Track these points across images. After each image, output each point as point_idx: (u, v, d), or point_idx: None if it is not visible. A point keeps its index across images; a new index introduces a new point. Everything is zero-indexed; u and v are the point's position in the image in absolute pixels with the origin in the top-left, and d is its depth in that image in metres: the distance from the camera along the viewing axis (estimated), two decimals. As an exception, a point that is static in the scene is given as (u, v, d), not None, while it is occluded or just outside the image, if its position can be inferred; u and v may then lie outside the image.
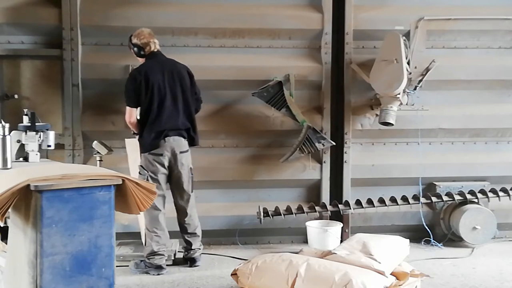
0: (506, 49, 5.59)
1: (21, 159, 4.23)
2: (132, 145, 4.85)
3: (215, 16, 5.23)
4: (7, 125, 3.79)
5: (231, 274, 4.00)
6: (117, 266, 3.68)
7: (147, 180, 4.44)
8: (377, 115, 5.39)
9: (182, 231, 4.77)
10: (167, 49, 5.09)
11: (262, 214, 5.16)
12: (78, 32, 5.10)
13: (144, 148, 4.60)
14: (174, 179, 4.66)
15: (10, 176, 3.16)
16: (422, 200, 5.38)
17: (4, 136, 3.74)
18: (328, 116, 5.45)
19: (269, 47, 5.36)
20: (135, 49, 4.66)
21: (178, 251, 4.90)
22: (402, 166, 5.55)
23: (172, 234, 4.80)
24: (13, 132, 4.12)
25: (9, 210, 3.00)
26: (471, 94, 5.58)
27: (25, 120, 4.32)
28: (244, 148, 5.42)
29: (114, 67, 5.03)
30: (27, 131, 4.23)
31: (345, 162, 5.49)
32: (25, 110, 4.38)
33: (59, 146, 4.96)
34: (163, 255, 4.60)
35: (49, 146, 4.34)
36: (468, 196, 5.40)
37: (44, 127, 4.33)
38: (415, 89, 5.33)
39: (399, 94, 5.09)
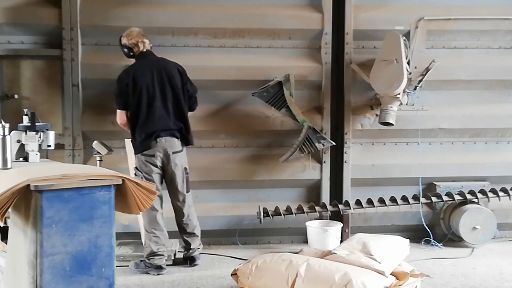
0: (506, 49, 5.59)
1: (21, 159, 4.23)
2: (131, 145, 4.85)
3: (215, 16, 5.23)
4: (7, 125, 3.79)
5: (231, 274, 4.00)
6: (117, 266, 3.68)
7: None
8: (377, 115, 5.39)
9: (181, 231, 4.76)
10: (167, 49, 5.10)
11: (262, 214, 5.16)
12: (78, 32, 5.10)
13: (136, 149, 4.60)
14: (168, 180, 4.66)
15: (10, 176, 3.16)
16: (422, 200, 5.38)
17: (4, 136, 3.74)
18: (328, 116, 5.45)
19: (269, 47, 5.35)
20: (125, 50, 4.66)
21: (178, 251, 4.90)
22: (402, 166, 5.55)
23: (172, 234, 4.80)
24: (13, 132, 4.12)
25: (9, 210, 3.00)
26: (471, 94, 5.58)
27: (25, 120, 4.32)
28: (244, 148, 5.42)
29: (114, 67, 5.03)
30: (27, 131, 4.23)
31: (345, 162, 5.49)
32: (25, 110, 4.38)
33: (59, 146, 4.96)
34: (162, 255, 4.60)
35: (49, 146, 4.35)
36: (468, 196, 5.40)
37: (44, 127, 4.33)
38: (415, 89, 5.32)
39: (399, 94, 5.09)
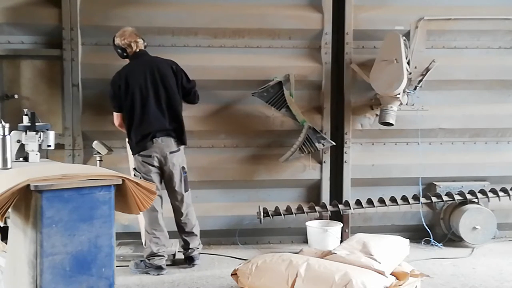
0: (506, 49, 5.59)
1: (21, 159, 4.23)
2: (131, 145, 4.86)
3: (215, 16, 5.23)
4: (7, 125, 3.79)
5: (231, 274, 4.00)
6: (117, 266, 3.68)
7: None
8: (377, 115, 5.39)
9: (180, 230, 4.76)
10: (167, 49, 5.11)
11: (262, 214, 5.16)
12: (78, 32, 5.10)
13: (133, 150, 4.61)
14: (166, 180, 4.66)
15: (10, 176, 3.16)
16: (422, 200, 5.37)
17: (4, 136, 3.75)
18: (328, 116, 5.45)
19: (269, 47, 5.35)
20: (118, 50, 4.66)
21: (178, 251, 4.90)
22: (402, 166, 5.55)
23: (172, 234, 4.80)
24: (13, 132, 4.12)
25: (9, 210, 3.00)
26: (471, 94, 5.58)
27: (25, 120, 4.32)
28: (244, 148, 5.42)
29: (114, 67, 5.01)
30: (27, 131, 4.24)
31: (345, 162, 5.49)
32: (25, 110, 4.39)
33: (59, 146, 4.96)
34: (162, 256, 4.60)
35: (49, 146, 4.35)
36: (468, 196, 5.40)
37: (44, 127, 4.33)
38: (415, 89, 5.32)
39: (399, 94, 5.09)
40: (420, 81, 5.32)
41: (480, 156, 5.64)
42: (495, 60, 5.56)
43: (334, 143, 5.35)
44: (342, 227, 5.26)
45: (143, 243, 4.84)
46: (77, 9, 5.07)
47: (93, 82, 5.16)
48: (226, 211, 5.40)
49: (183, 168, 4.67)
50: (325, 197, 5.47)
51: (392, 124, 5.21)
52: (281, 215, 5.20)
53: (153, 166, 4.55)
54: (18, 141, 4.21)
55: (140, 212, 3.71)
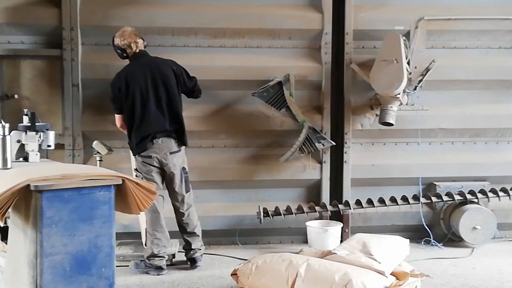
0: (506, 49, 5.59)
1: (21, 159, 4.23)
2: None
3: (215, 16, 5.23)
4: (7, 125, 3.79)
5: (231, 274, 4.00)
6: (117, 266, 3.68)
7: None
8: (377, 115, 5.39)
9: (181, 231, 4.75)
10: (167, 49, 5.11)
11: (262, 214, 5.16)
12: (78, 32, 5.10)
13: (134, 151, 4.61)
14: (167, 180, 4.65)
15: (10, 176, 3.16)
16: (422, 200, 5.37)
17: (4, 136, 3.75)
18: (328, 116, 5.45)
19: (269, 47, 5.35)
20: (118, 51, 4.64)
21: (178, 251, 4.89)
22: (402, 166, 5.55)
23: (172, 234, 4.80)
24: (13, 132, 4.12)
25: (9, 210, 3.00)
26: (471, 94, 5.58)
27: (25, 120, 4.32)
28: (244, 148, 5.42)
29: (114, 67, 5.02)
30: (27, 131, 4.24)
31: (345, 162, 5.49)
32: (25, 110, 4.39)
33: (59, 146, 4.96)
34: (163, 257, 4.60)
35: (49, 146, 4.35)
36: (468, 196, 5.40)
37: (44, 127, 4.33)
38: (415, 89, 5.32)
39: (399, 94, 5.09)
40: (420, 81, 5.31)
41: (480, 156, 5.64)
42: (495, 60, 5.56)
43: (334, 143, 5.35)
44: (342, 227, 5.25)
45: (143, 243, 4.85)
46: (77, 9, 5.07)
47: (93, 82, 5.16)
48: (226, 211, 5.40)
49: (183, 168, 4.67)
50: (325, 197, 5.47)
51: (392, 124, 5.21)
52: (281, 215, 5.20)
53: (153, 166, 4.55)
54: (18, 141, 4.20)
55: (141, 212, 3.72)
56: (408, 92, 5.29)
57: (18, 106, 5.02)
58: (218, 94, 5.30)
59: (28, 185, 2.94)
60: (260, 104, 5.26)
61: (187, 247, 4.75)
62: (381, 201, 5.30)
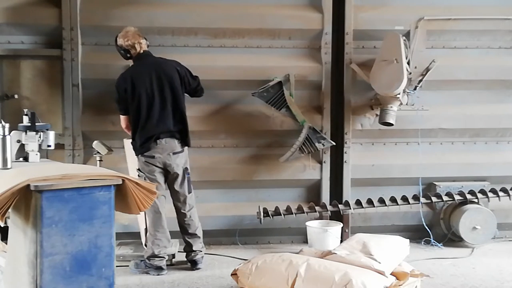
0: (506, 49, 5.58)
1: (21, 159, 4.23)
2: (130, 145, 4.84)
3: (215, 16, 5.23)
4: (7, 125, 3.79)
5: (231, 274, 4.00)
6: (117, 266, 3.68)
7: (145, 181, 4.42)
8: (377, 115, 5.39)
9: (182, 232, 4.75)
10: (167, 49, 5.10)
11: (262, 214, 5.16)
12: (78, 32, 5.10)
13: (137, 151, 4.59)
14: (170, 180, 4.65)
15: (10, 176, 3.16)
16: (422, 200, 5.37)
17: (4, 136, 3.74)
18: (328, 116, 5.45)
19: (269, 47, 5.35)
20: (121, 51, 4.61)
21: (178, 251, 4.89)
22: (402, 166, 5.55)
23: (172, 234, 4.79)
24: (13, 132, 4.12)
25: (9, 210, 3.00)
26: (471, 94, 5.58)
27: (25, 120, 4.32)
28: (244, 148, 5.42)
29: (114, 67, 5.03)
30: (27, 131, 4.23)
31: (345, 162, 5.49)
32: (25, 110, 4.38)
33: (59, 146, 4.95)
34: (163, 257, 4.59)
35: (49, 146, 4.35)
36: (468, 196, 5.40)
37: (44, 127, 4.33)
38: (415, 89, 5.32)
39: (399, 94, 5.09)
40: (420, 81, 5.32)
41: (480, 156, 5.64)
42: (495, 60, 5.56)
43: (334, 143, 5.35)
44: (342, 227, 5.25)
45: (143, 243, 4.84)
46: (77, 9, 5.07)
47: (93, 82, 5.16)
48: (226, 211, 5.40)
49: (186, 169, 4.67)
50: (325, 197, 5.47)
51: (392, 124, 5.21)
52: (281, 215, 5.20)
53: (156, 166, 4.55)
54: (18, 141, 4.20)
55: (141, 212, 3.72)
56: (408, 92, 5.29)
57: (18, 106, 5.02)
58: (218, 94, 5.30)
59: (28, 185, 2.94)
60: (260, 104, 5.26)
61: (188, 249, 4.74)
62: (381, 201, 5.30)
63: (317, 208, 5.25)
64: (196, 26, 5.23)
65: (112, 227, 3.20)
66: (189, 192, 4.68)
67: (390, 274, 3.77)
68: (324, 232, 5.10)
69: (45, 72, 5.24)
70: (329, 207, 5.29)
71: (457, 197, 5.38)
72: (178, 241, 4.97)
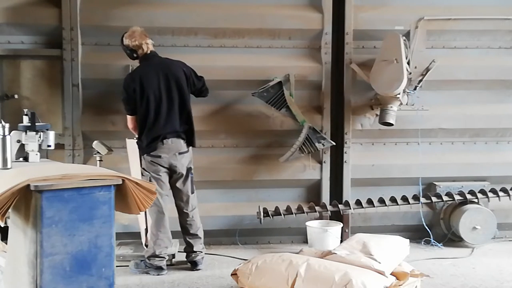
0: (506, 49, 5.59)
1: (21, 159, 4.23)
2: (133, 145, 4.84)
3: (215, 16, 5.23)
4: (7, 125, 3.79)
5: (231, 274, 4.00)
6: (117, 266, 3.68)
7: (150, 181, 4.42)
8: (377, 115, 5.39)
9: (184, 232, 4.74)
10: (167, 49, 5.09)
11: (262, 214, 5.16)
12: (78, 32, 5.10)
13: (143, 151, 4.59)
14: (174, 180, 4.65)
15: (10, 176, 3.16)
16: (422, 200, 5.37)
17: (4, 136, 3.74)
18: (328, 116, 5.45)
19: (269, 47, 5.35)
20: (128, 51, 4.60)
21: (178, 251, 4.89)
22: (402, 166, 5.55)
23: (172, 234, 4.79)
24: (13, 132, 4.12)
25: (9, 210, 3.00)
26: (471, 94, 5.58)
27: (25, 120, 4.32)
28: (244, 148, 5.42)
29: (114, 67, 5.03)
30: (27, 131, 4.23)
31: (345, 162, 5.49)
32: (25, 110, 4.38)
33: (59, 146, 4.95)
34: (163, 257, 4.59)
35: (49, 146, 4.35)
36: (468, 196, 5.40)
37: (44, 127, 4.33)
38: (415, 89, 5.32)
39: (399, 94, 5.09)
40: (420, 81, 5.32)
41: (480, 156, 5.64)
42: (495, 60, 5.57)
43: (334, 143, 5.35)
44: (342, 227, 5.26)
45: (143, 243, 4.84)
46: (77, 9, 5.07)
47: (93, 82, 5.16)
48: (226, 211, 5.40)
49: (190, 168, 4.67)
50: (325, 197, 5.47)
51: (392, 124, 5.21)
52: (281, 215, 5.20)
53: (162, 166, 4.55)
54: (18, 141, 4.20)
55: (141, 212, 3.72)
56: (408, 92, 5.29)
57: (18, 106, 5.02)
58: (218, 94, 5.30)
59: (28, 185, 2.94)
60: (260, 104, 5.26)
61: (189, 249, 4.73)
62: (381, 201, 5.30)
63: (317, 208, 5.25)
64: (196, 26, 5.23)
65: (112, 227, 3.20)
66: (192, 192, 4.69)
67: (390, 274, 3.77)
68: (324, 232, 5.10)
69: (45, 72, 5.24)
70: (329, 207, 5.29)
71: (457, 197, 5.38)
72: (178, 241, 4.97)
